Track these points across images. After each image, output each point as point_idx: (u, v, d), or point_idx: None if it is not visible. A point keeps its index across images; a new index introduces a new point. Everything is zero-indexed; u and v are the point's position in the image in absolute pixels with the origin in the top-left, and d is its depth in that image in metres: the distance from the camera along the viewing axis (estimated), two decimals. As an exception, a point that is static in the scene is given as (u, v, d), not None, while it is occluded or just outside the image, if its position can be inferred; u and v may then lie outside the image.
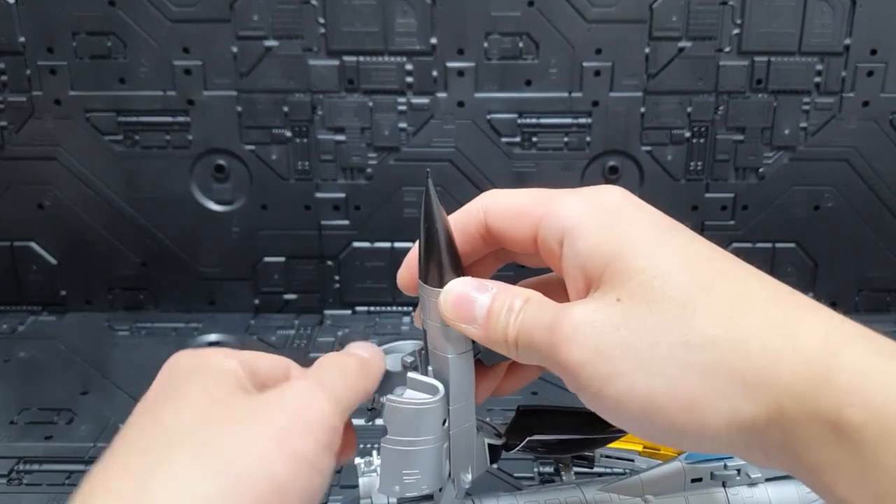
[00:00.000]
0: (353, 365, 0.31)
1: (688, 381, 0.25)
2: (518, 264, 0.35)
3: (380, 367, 0.33)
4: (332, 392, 0.28)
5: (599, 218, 0.28)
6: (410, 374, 0.33)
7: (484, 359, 0.34)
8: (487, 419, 0.37)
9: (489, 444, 0.36)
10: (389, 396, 0.33)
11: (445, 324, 0.31)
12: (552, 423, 0.34)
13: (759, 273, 0.27)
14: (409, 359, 0.34)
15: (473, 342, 0.32)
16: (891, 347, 0.23)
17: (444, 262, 0.31)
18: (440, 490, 0.35)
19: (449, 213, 0.32)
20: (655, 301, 0.26)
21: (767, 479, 0.39)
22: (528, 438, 0.36)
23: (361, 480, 0.38)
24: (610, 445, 0.41)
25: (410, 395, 0.33)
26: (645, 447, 0.42)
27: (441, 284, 0.31)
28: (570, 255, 0.29)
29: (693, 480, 0.39)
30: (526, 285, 0.33)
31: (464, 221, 0.32)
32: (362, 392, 0.31)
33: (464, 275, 0.31)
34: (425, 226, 0.31)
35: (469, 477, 0.34)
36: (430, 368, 0.33)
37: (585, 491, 0.38)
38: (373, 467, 0.38)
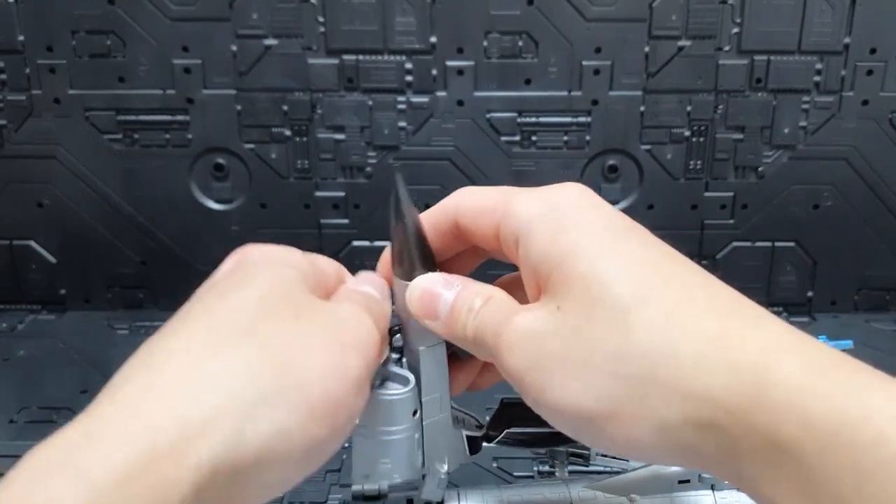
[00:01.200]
0: (380, 301, 0.32)
1: (617, 391, 0.24)
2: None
3: (388, 307, 0.33)
4: (379, 321, 0.30)
5: (551, 220, 0.28)
6: (388, 367, 0.34)
7: (459, 351, 0.34)
8: (468, 411, 0.37)
9: (468, 436, 0.36)
10: None
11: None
12: (534, 416, 0.34)
13: (706, 279, 0.26)
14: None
15: None
16: (828, 360, 0.23)
17: (413, 256, 0.31)
18: (423, 478, 0.35)
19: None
20: (593, 310, 0.25)
21: None
22: (506, 431, 0.36)
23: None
24: None
25: (386, 385, 0.33)
26: None
27: (411, 278, 0.31)
28: (524, 257, 0.28)
29: (680, 482, 0.39)
30: (502, 282, 0.33)
31: (437, 219, 0.32)
32: (383, 330, 0.31)
33: (436, 269, 0.32)
34: (395, 221, 0.31)
35: (444, 468, 0.35)
36: (404, 360, 0.34)
37: (571, 487, 0.39)
38: None
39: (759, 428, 0.22)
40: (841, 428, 0.21)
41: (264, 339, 0.25)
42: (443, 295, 0.30)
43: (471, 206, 0.31)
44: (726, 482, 0.37)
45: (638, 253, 0.27)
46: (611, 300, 0.25)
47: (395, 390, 0.33)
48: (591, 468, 0.43)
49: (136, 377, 0.24)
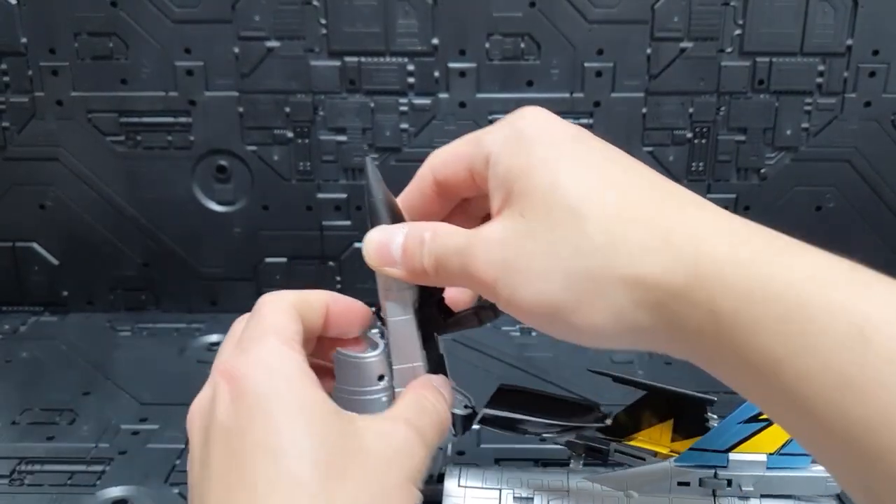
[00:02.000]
0: (443, 413, 0.33)
1: (578, 284, 0.27)
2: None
3: (449, 415, 0.34)
4: (427, 440, 0.30)
5: (514, 140, 0.31)
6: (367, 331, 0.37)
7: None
8: (462, 390, 0.38)
9: (455, 414, 0.36)
10: (338, 349, 0.36)
11: (386, 289, 0.35)
12: (526, 404, 0.34)
13: (652, 177, 0.30)
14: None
15: (420, 309, 0.35)
16: (750, 233, 0.26)
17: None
18: None
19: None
20: (553, 213, 0.28)
21: (762, 496, 0.38)
22: (483, 411, 0.37)
23: None
24: (629, 442, 0.41)
25: (356, 347, 0.36)
26: (661, 451, 0.42)
27: None
28: (493, 177, 0.31)
29: (680, 483, 0.39)
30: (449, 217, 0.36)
31: (418, 186, 0.35)
32: (440, 441, 0.32)
33: None
34: (368, 202, 0.35)
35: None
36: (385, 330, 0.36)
37: (571, 477, 0.39)
38: None
39: (698, 304, 0.25)
40: (767, 295, 0.24)
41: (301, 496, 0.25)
42: (393, 240, 0.33)
43: (443, 159, 0.34)
44: (728, 490, 0.38)
45: (589, 159, 0.30)
46: (567, 203, 0.28)
47: (359, 353, 0.35)
48: (609, 464, 0.43)
49: None
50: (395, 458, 0.28)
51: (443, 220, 0.35)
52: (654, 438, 0.42)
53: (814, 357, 0.22)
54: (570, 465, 0.42)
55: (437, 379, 0.35)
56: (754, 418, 0.37)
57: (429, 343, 0.37)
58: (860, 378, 0.21)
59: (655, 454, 0.40)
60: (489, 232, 0.30)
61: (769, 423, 0.37)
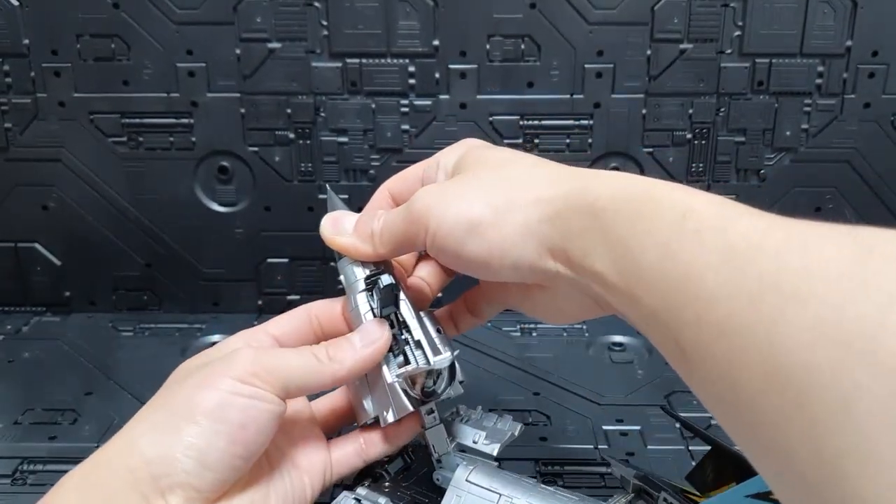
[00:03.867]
0: (308, 365, 0.39)
1: (497, 206, 0.35)
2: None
3: (347, 373, 0.39)
4: (268, 361, 0.37)
5: (458, 146, 0.42)
6: None
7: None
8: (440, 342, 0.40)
9: (406, 392, 0.39)
10: None
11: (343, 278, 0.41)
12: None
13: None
14: None
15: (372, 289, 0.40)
16: (632, 178, 0.34)
17: None
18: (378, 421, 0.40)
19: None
20: (481, 166, 0.38)
21: None
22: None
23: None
24: (701, 500, 0.41)
25: None
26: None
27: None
28: (442, 170, 0.41)
29: None
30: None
31: (377, 203, 0.44)
32: (313, 381, 0.38)
33: None
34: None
35: (389, 416, 0.39)
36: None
37: None
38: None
39: (583, 207, 0.33)
40: (630, 195, 0.32)
41: (158, 405, 0.37)
42: (347, 218, 0.41)
43: (397, 177, 0.44)
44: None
45: (507, 150, 0.40)
46: (495, 161, 0.39)
47: None
48: None
49: (122, 441, 0.36)
50: (223, 361, 0.37)
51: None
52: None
53: (649, 234, 0.30)
54: (612, 500, 0.42)
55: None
56: (764, 495, 0.36)
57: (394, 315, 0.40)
58: (676, 244, 0.29)
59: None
60: (429, 185, 0.39)
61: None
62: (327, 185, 0.47)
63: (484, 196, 0.36)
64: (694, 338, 0.28)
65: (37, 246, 0.71)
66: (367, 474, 0.43)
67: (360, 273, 0.40)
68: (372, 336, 0.39)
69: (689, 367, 0.29)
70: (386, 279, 0.39)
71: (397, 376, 0.39)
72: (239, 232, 0.70)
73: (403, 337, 0.39)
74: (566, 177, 0.36)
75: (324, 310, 0.42)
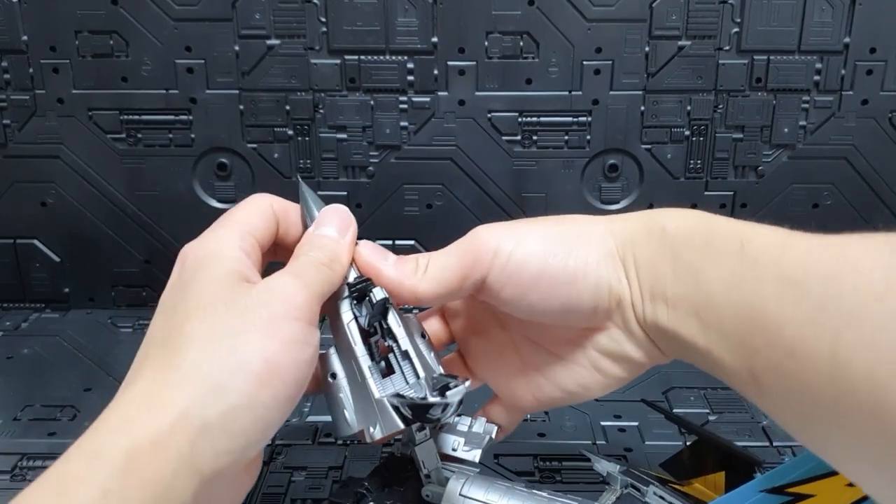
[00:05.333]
0: (324, 259, 0.37)
1: (571, 232, 0.37)
2: None
3: (345, 258, 0.38)
4: (307, 282, 0.35)
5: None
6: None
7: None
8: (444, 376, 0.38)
9: (395, 406, 0.37)
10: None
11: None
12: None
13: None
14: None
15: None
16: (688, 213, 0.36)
17: None
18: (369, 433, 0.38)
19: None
20: (540, 220, 0.39)
21: None
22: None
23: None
24: (684, 488, 0.41)
25: None
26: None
27: None
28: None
29: None
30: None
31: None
32: (333, 280, 0.37)
33: None
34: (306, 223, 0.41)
35: (376, 432, 0.37)
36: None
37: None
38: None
39: (654, 234, 0.35)
40: (694, 225, 0.34)
41: (205, 344, 0.32)
42: (387, 254, 0.39)
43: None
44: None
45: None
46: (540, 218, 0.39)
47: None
48: None
49: (126, 393, 0.33)
50: (275, 297, 0.34)
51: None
52: (710, 487, 0.42)
53: (714, 263, 0.32)
54: (602, 498, 0.42)
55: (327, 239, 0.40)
56: (779, 489, 0.36)
57: (376, 336, 0.38)
58: (739, 274, 0.31)
59: (697, 502, 0.40)
60: (488, 227, 0.38)
61: (794, 498, 0.36)
62: (299, 178, 0.43)
63: (555, 229, 0.37)
64: (765, 363, 0.30)
65: (36, 242, 0.71)
66: (348, 495, 0.42)
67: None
68: (338, 220, 0.39)
69: (759, 390, 0.31)
70: (378, 293, 0.37)
71: (388, 395, 0.36)
72: (238, 228, 0.70)
73: (387, 345, 0.38)
74: (630, 214, 0.37)
75: (282, 207, 0.41)
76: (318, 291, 0.36)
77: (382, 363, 0.38)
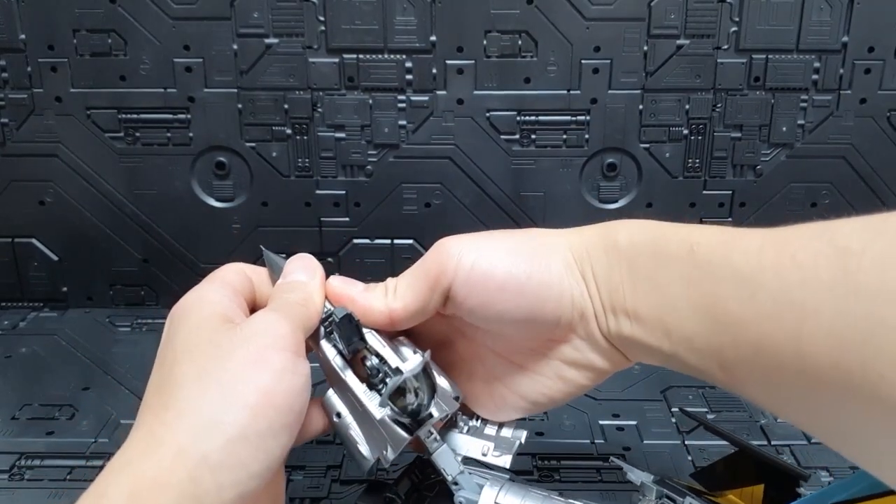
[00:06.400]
0: (298, 299, 0.38)
1: (533, 242, 0.38)
2: None
3: (318, 297, 0.39)
4: (289, 316, 0.36)
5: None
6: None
7: None
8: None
9: (397, 422, 0.37)
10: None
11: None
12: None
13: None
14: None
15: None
16: (651, 223, 0.37)
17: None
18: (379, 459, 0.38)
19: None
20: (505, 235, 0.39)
21: None
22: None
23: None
24: (717, 499, 0.41)
25: None
26: None
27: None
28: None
29: None
30: None
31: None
32: (310, 316, 0.38)
33: None
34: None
35: (388, 454, 0.38)
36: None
37: None
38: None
39: (609, 248, 0.36)
40: (645, 235, 0.35)
41: (199, 384, 0.33)
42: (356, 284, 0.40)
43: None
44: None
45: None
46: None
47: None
48: None
49: (135, 440, 0.32)
50: (260, 330, 0.35)
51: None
52: (745, 500, 0.42)
53: (668, 268, 0.33)
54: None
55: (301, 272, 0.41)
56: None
57: (361, 360, 0.38)
58: (695, 275, 0.32)
59: None
60: (452, 238, 0.38)
61: None
62: (263, 248, 0.44)
63: (517, 239, 0.38)
64: (733, 359, 0.30)
65: (34, 241, 0.71)
66: (377, 501, 0.42)
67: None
68: (305, 264, 0.40)
69: (734, 382, 0.32)
70: (339, 312, 0.38)
71: (380, 405, 0.37)
72: (236, 227, 0.70)
73: (375, 366, 0.38)
74: (586, 228, 0.38)
75: (254, 270, 0.42)
76: (300, 325, 0.36)
77: (381, 386, 0.38)
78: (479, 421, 0.43)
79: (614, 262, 0.36)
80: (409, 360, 0.37)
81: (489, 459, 0.40)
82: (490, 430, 0.42)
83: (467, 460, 0.41)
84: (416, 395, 0.37)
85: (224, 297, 0.37)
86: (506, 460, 0.40)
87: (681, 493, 0.40)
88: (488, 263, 0.37)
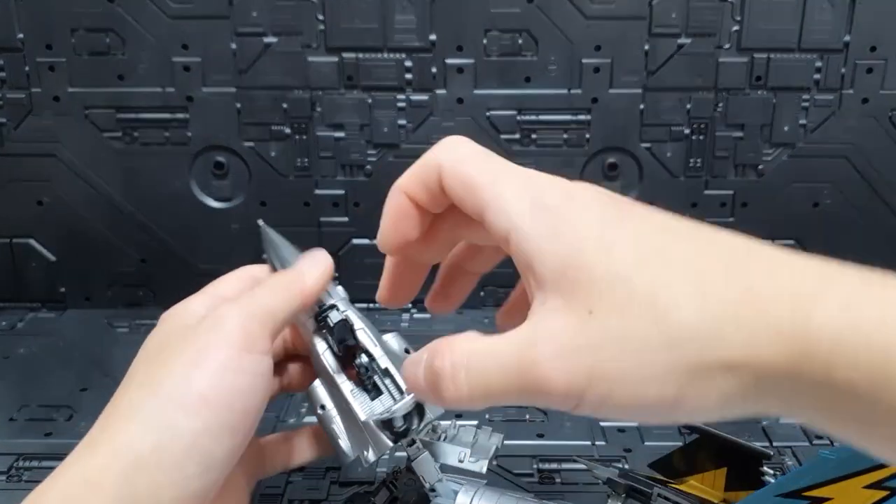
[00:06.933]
0: (283, 282, 0.37)
1: (679, 378, 0.25)
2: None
3: (314, 283, 0.38)
4: (249, 309, 0.35)
5: (542, 218, 0.28)
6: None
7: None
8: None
9: (382, 423, 0.37)
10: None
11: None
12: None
13: (710, 236, 0.27)
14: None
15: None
16: (859, 291, 0.23)
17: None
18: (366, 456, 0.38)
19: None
20: (629, 307, 0.25)
21: None
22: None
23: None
24: (679, 486, 0.41)
25: None
26: (713, 500, 0.41)
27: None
28: (519, 255, 0.28)
29: None
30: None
31: (422, 176, 0.33)
32: (291, 304, 0.37)
33: None
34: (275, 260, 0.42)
35: (370, 456, 0.38)
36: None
37: None
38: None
39: (813, 379, 0.23)
40: (885, 362, 0.22)
41: (143, 386, 0.33)
42: (417, 371, 0.30)
43: (457, 175, 0.32)
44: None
45: (642, 238, 0.27)
46: (642, 294, 0.25)
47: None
48: None
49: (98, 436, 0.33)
50: (205, 330, 0.34)
51: (420, 238, 0.35)
52: (707, 484, 0.41)
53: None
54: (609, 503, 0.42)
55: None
56: (795, 493, 0.34)
57: (351, 360, 0.38)
58: None
59: (702, 502, 0.40)
60: (553, 338, 0.26)
61: (811, 501, 0.34)
62: (260, 223, 0.43)
63: (654, 367, 0.25)
64: None
65: (31, 242, 0.71)
66: None
67: (309, 311, 0.40)
68: (313, 254, 0.40)
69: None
70: (335, 316, 0.38)
71: (369, 419, 0.37)
72: (234, 227, 0.70)
73: (364, 365, 0.38)
74: (755, 311, 0.24)
75: (266, 273, 0.41)
76: (261, 318, 0.35)
77: (374, 391, 0.38)
78: (457, 427, 0.43)
79: (815, 402, 0.24)
80: (401, 403, 0.36)
81: (465, 465, 0.40)
82: (467, 436, 0.42)
83: (444, 467, 0.41)
84: (404, 420, 0.37)
85: (204, 308, 0.37)
86: (482, 465, 0.40)
87: (648, 486, 0.40)
88: (624, 406, 0.26)
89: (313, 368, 0.40)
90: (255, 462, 0.40)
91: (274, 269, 0.41)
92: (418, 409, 0.38)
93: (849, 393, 0.22)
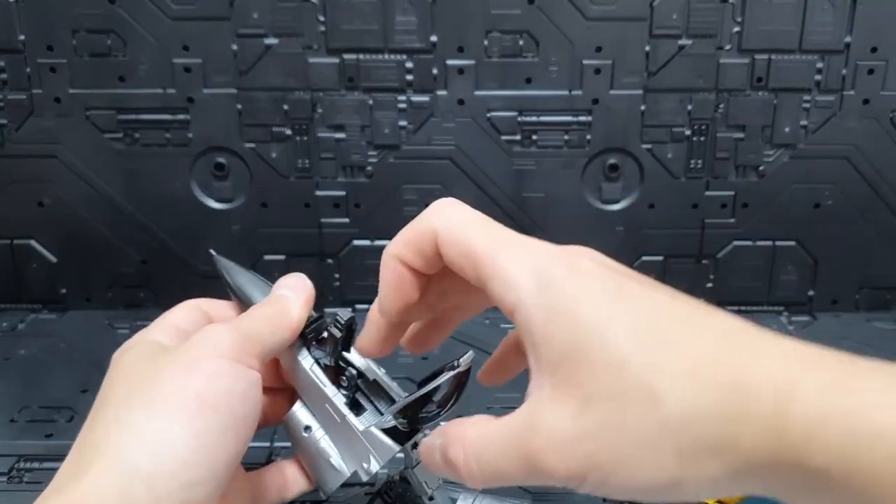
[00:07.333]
0: (268, 314, 0.37)
1: (674, 463, 0.26)
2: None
3: (300, 315, 0.38)
4: (240, 329, 0.35)
5: (546, 296, 0.28)
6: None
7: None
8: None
9: (385, 430, 0.36)
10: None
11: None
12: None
13: (703, 320, 0.28)
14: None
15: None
16: (834, 380, 0.24)
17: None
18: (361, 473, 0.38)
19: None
20: (621, 394, 0.26)
21: None
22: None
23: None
24: None
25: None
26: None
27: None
28: (524, 332, 0.29)
29: None
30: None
31: (416, 242, 0.33)
32: (280, 335, 0.37)
33: None
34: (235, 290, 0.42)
35: (372, 466, 0.37)
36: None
37: None
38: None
39: (791, 464, 0.24)
40: (858, 449, 0.23)
41: (126, 394, 0.33)
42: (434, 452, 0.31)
43: (454, 247, 0.32)
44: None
45: (641, 320, 0.28)
46: (639, 383, 0.26)
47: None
48: None
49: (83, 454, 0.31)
50: (194, 344, 0.34)
51: (419, 302, 0.35)
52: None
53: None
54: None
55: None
56: None
57: (343, 376, 0.38)
58: None
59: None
60: (551, 429, 0.28)
61: None
62: (213, 252, 0.43)
63: (649, 454, 0.26)
64: None
65: (32, 243, 0.71)
66: None
67: None
68: (293, 282, 0.39)
69: None
70: (339, 323, 0.38)
71: (391, 412, 0.36)
72: (235, 229, 0.70)
73: (353, 377, 0.38)
74: (741, 402, 0.25)
75: (210, 304, 0.41)
76: (252, 337, 0.35)
77: (361, 399, 0.38)
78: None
79: (794, 489, 0.25)
80: (400, 403, 0.35)
81: None
82: None
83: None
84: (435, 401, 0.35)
85: (166, 337, 0.37)
86: None
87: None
88: (626, 488, 0.27)
89: (287, 396, 0.40)
90: (247, 497, 0.39)
91: (239, 300, 0.41)
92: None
93: (824, 477, 0.23)
